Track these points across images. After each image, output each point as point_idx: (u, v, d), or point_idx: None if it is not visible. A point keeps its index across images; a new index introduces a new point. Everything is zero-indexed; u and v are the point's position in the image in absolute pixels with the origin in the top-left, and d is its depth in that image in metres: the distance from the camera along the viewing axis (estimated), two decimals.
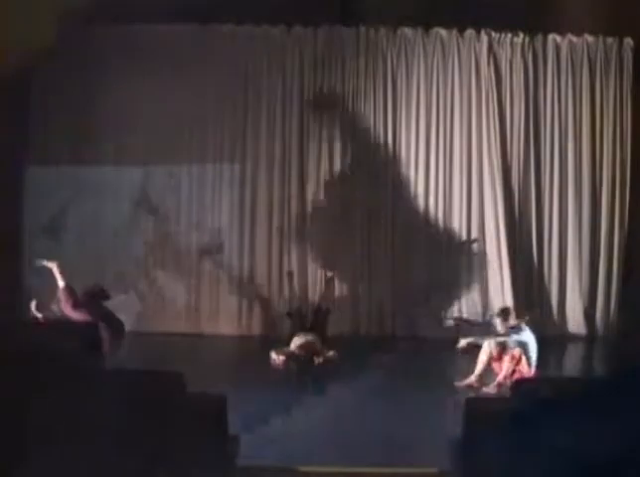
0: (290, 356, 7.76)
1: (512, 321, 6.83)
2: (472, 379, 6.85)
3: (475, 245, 9.32)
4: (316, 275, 9.34)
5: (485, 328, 7.36)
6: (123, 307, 8.99)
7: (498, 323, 6.85)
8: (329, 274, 9.09)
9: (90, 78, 8.72)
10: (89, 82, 8.73)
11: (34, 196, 9.05)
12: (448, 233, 9.37)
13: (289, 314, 8.53)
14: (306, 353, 7.78)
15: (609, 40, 9.33)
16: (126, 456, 2.82)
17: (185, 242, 9.31)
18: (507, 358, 6.66)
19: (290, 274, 9.10)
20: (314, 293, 9.26)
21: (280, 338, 8.42)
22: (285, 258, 9.37)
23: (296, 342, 7.87)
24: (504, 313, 6.94)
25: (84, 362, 3.03)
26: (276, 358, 7.70)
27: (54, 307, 7.04)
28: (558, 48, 9.39)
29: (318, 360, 7.74)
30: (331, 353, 7.88)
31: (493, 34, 9.33)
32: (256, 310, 9.33)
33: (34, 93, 8.94)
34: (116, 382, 3.03)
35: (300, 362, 7.73)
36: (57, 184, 9.05)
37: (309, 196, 9.38)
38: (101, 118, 8.86)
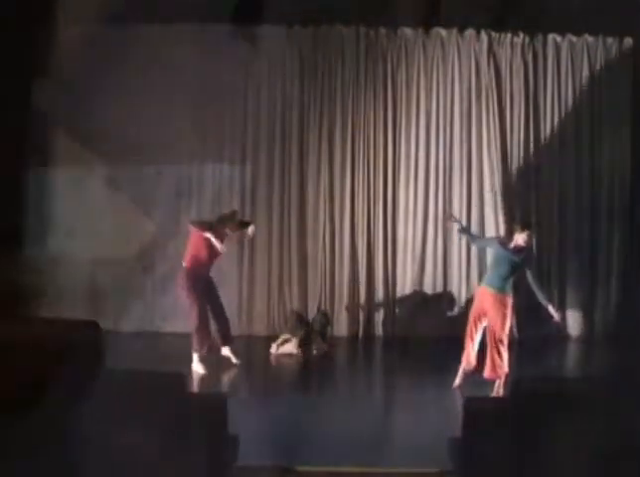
0: (291, 351, 8.02)
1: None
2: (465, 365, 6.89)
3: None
4: (316, 277, 9.35)
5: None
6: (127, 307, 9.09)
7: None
8: None
9: (89, 77, 8.69)
10: (88, 82, 8.70)
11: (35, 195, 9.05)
12: (448, 232, 9.37)
13: (291, 314, 8.68)
14: (307, 347, 8.07)
15: (609, 40, 9.33)
16: (125, 456, 2.82)
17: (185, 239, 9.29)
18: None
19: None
20: (314, 294, 9.29)
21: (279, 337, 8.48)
22: (285, 259, 9.36)
23: (296, 339, 8.10)
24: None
25: (84, 361, 3.03)
26: (277, 349, 7.97)
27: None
28: (558, 48, 9.39)
29: (318, 350, 8.00)
30: (325, 345, 8.14)
31: (493, 34, 9.34)
32: (256, 310, 9.32)
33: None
34: (116, 382, 3.03)
35: (302, 352, 7.97)
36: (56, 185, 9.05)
37: (309, 195, 9.38)
38: (100, 119, 8.83)
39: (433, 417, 6.08)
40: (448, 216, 7.87)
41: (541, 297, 6.62)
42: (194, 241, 7.46)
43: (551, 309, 6.66)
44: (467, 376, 6.87)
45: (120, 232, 9.01)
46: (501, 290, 6.62)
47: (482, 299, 6.75)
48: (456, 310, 7.53)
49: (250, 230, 7.78)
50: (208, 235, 7.36)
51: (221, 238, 7.44)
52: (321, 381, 7.72)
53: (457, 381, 6.91)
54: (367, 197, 9.37)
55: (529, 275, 6.60)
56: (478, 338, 6.81)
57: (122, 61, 8.68)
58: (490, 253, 7.03)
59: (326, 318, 8.71)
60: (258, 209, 9.34)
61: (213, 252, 7.48)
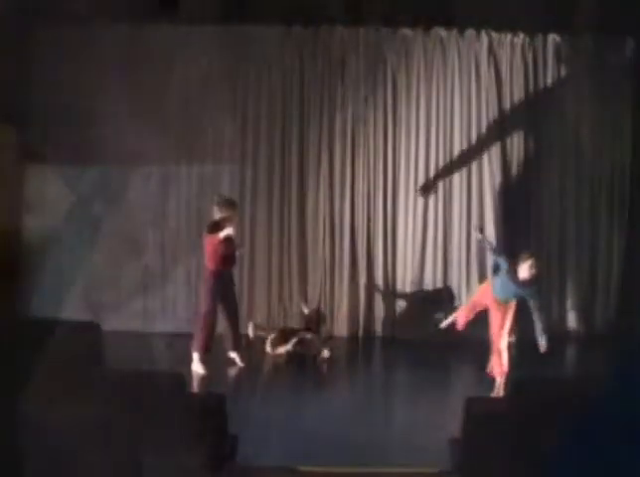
0: (291, 352, 8.02)
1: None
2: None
3: (475, 245, 9.31)
4: (316, 277, 9.35)
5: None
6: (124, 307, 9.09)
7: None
8: None
9: (88, 77, 8.68)
10: (86, 82, 8.69)
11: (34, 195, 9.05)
12: (448, 233, 9.37)
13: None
14: (305, 350, 8.03)
15: (609, 40, 9.32)
16: (125, 456, 2.82)
17: (185, 241, 9.30)
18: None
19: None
20: (314, 294, 9.30)
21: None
22: (285, 259, 9.36)
23: (295, 339, 8.11)
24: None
25: (84, 361, 3.03)
26: (274, 349, 7.97)
27: None
28: (558, 48, 9.39)
29: (318, 357, 7.97)
30: (327, 351, 8.11)
31: (493, 34, 9.34)
32: (257, 309, 9.32)
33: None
34: (116, 382, 3.03)
35: (300, 357, 7.95)
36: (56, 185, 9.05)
37: (309, 195, 9.38)
38: (99, 119, 8.82)
39: (433, 417, 6.08)
40: (476, 228, 8.25)
41: (538, 328, 6.51)
42: (209, 242, 7.42)
43: (542, 341, 6.51)
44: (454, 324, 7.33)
45: None
46: (504, 301, 6.74)
47: (485, 295, 6.87)
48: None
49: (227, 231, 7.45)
50: (222, 235, 7.31)
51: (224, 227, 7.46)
52: (320, 380, 7.71)
53: (446, 322, 7.45)
54: (367, 196, 9.37)
55: (531, 305, 6.55)
56: (471, 316, 7.17)
57: (121, 61, 8.68)
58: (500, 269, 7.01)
59: (318, 315, 8.67)
60: (258, 208, 9.35)
61: (229, 244, 7.48)
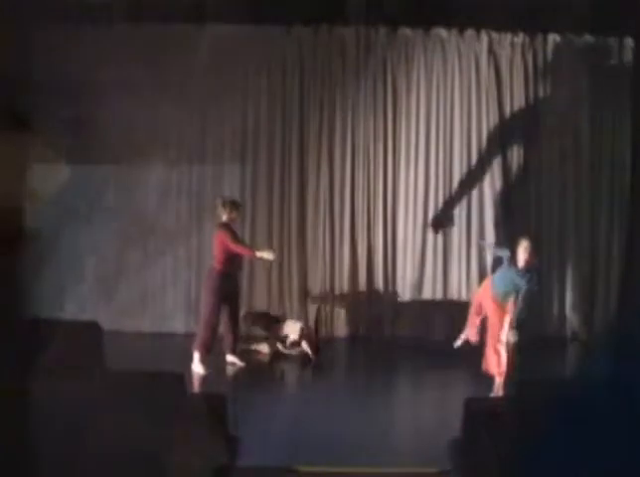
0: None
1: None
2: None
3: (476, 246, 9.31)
4: (316, 276, 9.36)
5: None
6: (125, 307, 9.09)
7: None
8: None
9: (88, 76, 8.68)
10: (86, 81, 8.69)
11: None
12: (448, 232, 9.37)
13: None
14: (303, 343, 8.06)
15: (609, 40, 9.33)
16: (126, 456, 2.82)
17: (187, 240, 9.30)
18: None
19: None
20: (314, 294, 9.30)
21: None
22: (285, 259, 9.36)
23: (291, 332, 8.13)
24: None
25: (84, 361, 3.04)
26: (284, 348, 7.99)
27: None
28: (558, 48, 9.39)
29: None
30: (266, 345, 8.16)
31: (493, 34, 9.34)
32: (256, 310, 9.32)
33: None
34: (116, 382, 3.03)
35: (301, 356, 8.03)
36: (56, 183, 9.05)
37: (309, 195, 9.38)
38: (100, 117, 8.83)
39: (433, 417, 6.09)
40: (480, 243, 8.30)
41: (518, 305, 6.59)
42: (219, 241, 7.42)
43: (508, 334, 6.61)
44: (467, 341, 7.16)
45: None
46: (502, 299, 6.72)
47: (484, 295, 6.87)
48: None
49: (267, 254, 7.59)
50: (259, 255, 7.48)
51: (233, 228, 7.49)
52: (320, 381, 7.71)
53: (458, 342, 7.21)
54: (367, 197, 9.37)
55: (521, 294, 6.58)
56: (479, 322, 7.08)
57: (121, 60, 8.67)
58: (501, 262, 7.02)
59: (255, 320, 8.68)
60: (258, 208, 9.35)
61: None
